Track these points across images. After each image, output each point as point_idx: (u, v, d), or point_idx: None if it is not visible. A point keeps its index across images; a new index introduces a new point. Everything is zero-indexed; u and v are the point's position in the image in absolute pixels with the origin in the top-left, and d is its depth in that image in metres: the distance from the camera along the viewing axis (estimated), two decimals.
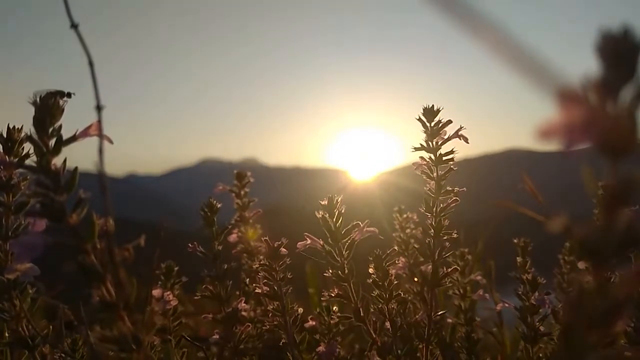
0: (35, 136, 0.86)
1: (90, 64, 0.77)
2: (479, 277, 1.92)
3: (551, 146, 0.47)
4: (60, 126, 0.90)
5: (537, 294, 1.46)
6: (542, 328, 1.45)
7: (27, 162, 0.94)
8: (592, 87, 0.49)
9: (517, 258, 1.54)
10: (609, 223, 0.51)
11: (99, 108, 0.76)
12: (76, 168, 0.86)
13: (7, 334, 1.20)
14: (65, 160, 0.87)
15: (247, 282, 1.91)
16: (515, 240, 1.58)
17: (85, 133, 0.91)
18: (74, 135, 0.91)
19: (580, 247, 0.52)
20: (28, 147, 1.06)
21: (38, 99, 0.87)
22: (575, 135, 0.46)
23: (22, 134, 1.03)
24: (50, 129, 0.88)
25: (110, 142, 0.90)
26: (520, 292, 1.48)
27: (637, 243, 0.51)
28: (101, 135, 0.76)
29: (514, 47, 0.44)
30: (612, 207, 0.51)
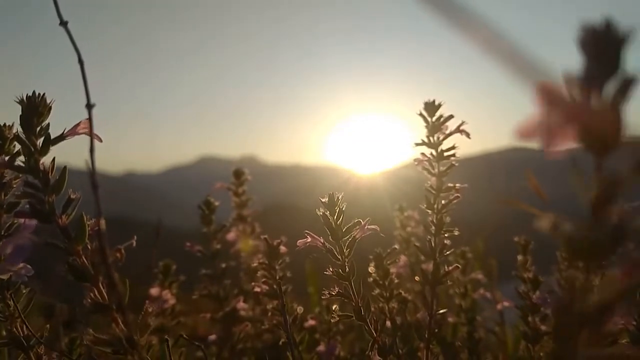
0: (22, 135, 0.85)
1: (80, 61, 0.75)
2: (479, 276, 1.91)
3: (533, 145, 0.45)
4: (48, 125, 0.88)
5: (538, 292, 1.45)
6: (543, 327, 1.44)
7: (17, 161, 0.92)
8: (574, 81, 0.48)
9: (518, 256, 1.53)
10: (597, 221, 0.50)
11: (89, 106, 0.74)
12: (65, 167, 0.84)
13: (3, 334, 1.18)
14: (54, 160, 0.86)
15: (246, 281, 1.90)
16: (516, 239, 1.57)
17: (73, 131, 0.89)
18: (62, 134, 0.90)
19: (568, 245, 0.51)
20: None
21: (25, 98, 0.85)
22: (557, 133, 0.45)
23: (13, 131, 1.02)
24: (38, 128, 0.87)
25: (100, 140, 0.88)
26: (521, 291, 1.47)
27: (625, 240, 0.50)
28: (91, 134, 0.75)
29: (502, 44, 0.42)
30: (599, 205, 0.50)
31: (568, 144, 0.46)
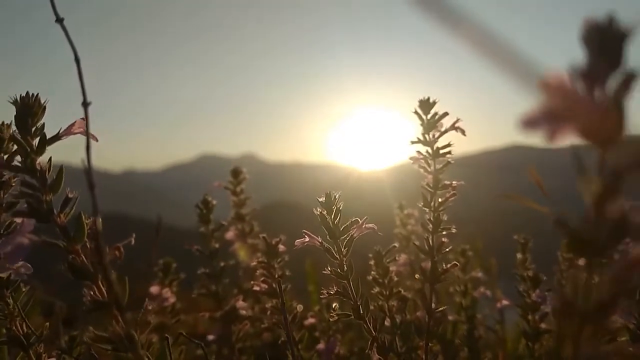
0: (18, 136, 0.85)
1: (77, 60, 0.75)
2: (479, 274, 1.91)
3: (537, 138, 0.45)
4: (44, 125, 0.89)
5: (538, 291, 1.45)
6: (543, 325, 1.44)
7: (15, 160, 0.93)
8: (578, 76, 0.48)
9: (518, 254, 1.53)
10: (599, 216, 0.50)
11: (85, 104, 0.74)
12: (62, 167, 0.84)
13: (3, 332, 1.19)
14: (50, 159, 0.86)
15: (245, 280, 1.90)
16: (515, 237, 1.56)
17: (68, 131, 0.90)
18: (58, 133, 0.90)
19: (570, 240, 0.51)
20: None
21: (18, 98, 0.86)
22: (560, 125, 0.45)
23: (11, 131, 1.02)
24: (33, 129, 0.87)
25: (95, 139, 0.88)
26: (521, 289, 1.47)
27: (628, 236, 0.50)
28: (87, 133, 0.75)
29: (493, 42, 0.42)
30: (601, 200, 0.50)
31: (570, 137, 0.46)
